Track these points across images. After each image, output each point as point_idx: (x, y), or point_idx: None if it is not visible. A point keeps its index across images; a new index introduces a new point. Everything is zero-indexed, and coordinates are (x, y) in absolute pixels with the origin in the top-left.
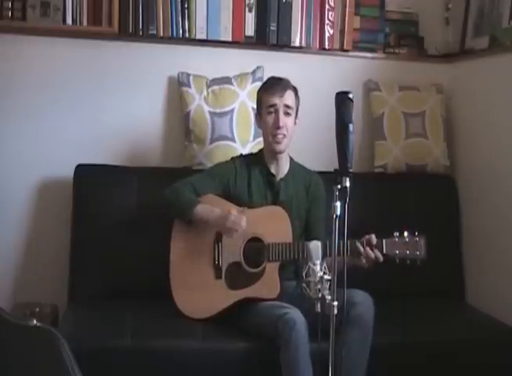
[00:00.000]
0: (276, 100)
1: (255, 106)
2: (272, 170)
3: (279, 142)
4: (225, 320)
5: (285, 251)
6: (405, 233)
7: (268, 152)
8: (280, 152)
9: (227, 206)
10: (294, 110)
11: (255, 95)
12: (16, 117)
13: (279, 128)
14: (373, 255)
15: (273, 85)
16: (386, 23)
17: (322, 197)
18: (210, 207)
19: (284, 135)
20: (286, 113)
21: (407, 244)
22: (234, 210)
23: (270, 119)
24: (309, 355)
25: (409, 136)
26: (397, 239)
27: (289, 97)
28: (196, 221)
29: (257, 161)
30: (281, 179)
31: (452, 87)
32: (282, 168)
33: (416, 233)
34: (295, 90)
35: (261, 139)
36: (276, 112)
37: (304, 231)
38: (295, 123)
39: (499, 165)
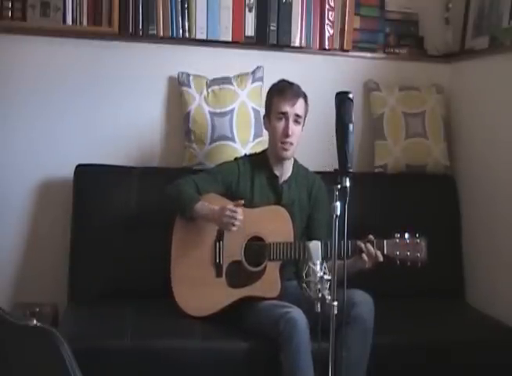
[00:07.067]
0: (288, 108)
1: (255, 106)
2: (276, 172)
3: (286, 150)
4: (225, 320)
5: (286, 250)
6: (406, 235)
7: (273, 156)
8: (287, 158)
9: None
10: (303, 118)
11: (255, 95)
12: (16, 117)
13: (288, 136)
14: (373, 251)
15: (286, 91)
16: (386, 23)
17: (324, 200)
18: (210, 204)
19: (292, 143)
20: (296, 122)
21: (408, 245)
22: (230, 204)
23: (280, 125)
24: (311, 354)
25: (409, 136)
26: (398, 240)
27: (300, 106)
28: (197, 218)
29: (260, 162)
30: (284, 182)
31: (452, 87)
32: (285, 171)
33: (417, 235)
34: (305, 97)
35: (261, 139)
36: (287, 120)
37: (306, 235)
38: (302, 130)
39: (499, 165)
